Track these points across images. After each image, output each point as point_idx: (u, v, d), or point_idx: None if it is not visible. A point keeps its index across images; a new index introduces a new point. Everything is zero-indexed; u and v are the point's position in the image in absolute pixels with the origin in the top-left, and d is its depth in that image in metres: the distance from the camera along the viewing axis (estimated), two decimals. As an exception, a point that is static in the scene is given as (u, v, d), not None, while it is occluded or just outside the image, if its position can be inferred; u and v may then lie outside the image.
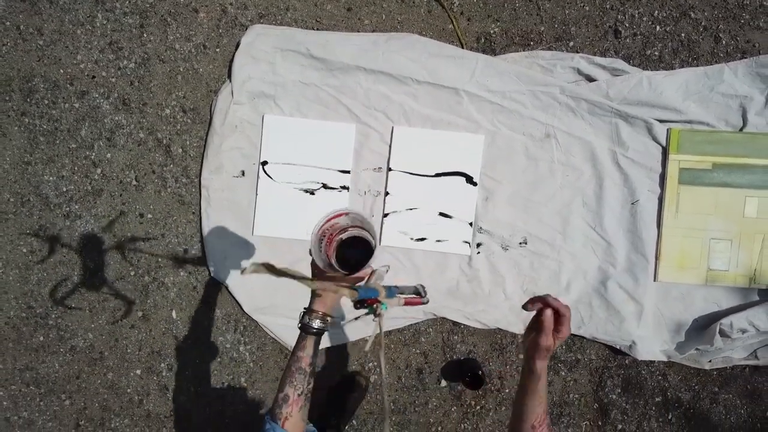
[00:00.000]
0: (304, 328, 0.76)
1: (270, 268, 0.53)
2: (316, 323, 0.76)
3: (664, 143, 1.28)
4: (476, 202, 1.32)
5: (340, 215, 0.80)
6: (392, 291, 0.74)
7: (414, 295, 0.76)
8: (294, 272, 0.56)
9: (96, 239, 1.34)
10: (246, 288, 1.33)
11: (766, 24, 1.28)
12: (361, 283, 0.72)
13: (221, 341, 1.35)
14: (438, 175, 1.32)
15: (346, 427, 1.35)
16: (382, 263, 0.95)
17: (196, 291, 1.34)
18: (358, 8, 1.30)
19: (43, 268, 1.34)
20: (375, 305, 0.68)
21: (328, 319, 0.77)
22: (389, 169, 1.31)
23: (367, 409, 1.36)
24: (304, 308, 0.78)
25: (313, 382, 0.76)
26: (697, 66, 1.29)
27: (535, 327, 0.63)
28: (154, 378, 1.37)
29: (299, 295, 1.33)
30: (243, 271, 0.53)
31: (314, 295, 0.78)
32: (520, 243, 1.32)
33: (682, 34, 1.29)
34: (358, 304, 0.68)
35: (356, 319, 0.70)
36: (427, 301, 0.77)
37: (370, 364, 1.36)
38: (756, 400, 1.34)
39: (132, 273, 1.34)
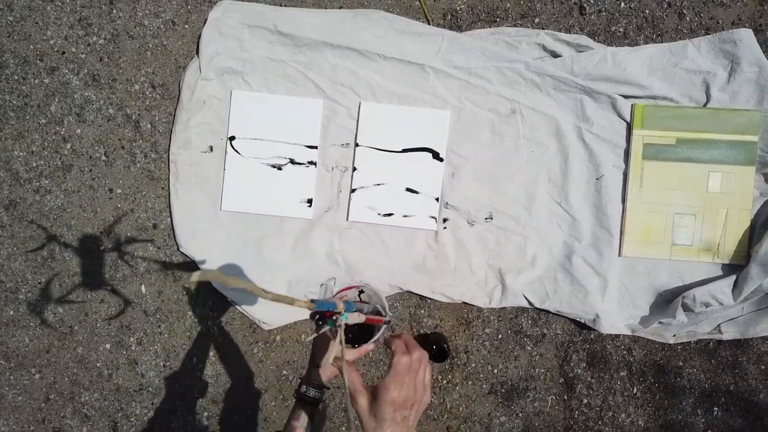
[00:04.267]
0: (300, 397, 0.77)
1: (218, 277, 0.49)
2: (312, 392, 0.77)
3: (628, 119, 1.30)
4: (442, 178, 1.33)
5: (350, 288, 0.77)
6: (350, 305, 0.69)
7: (374, 315, 0.71)
8: (246, 283, 0.52)
9: (66, 214, 1.35)
10: (215, 262, 1.34)
11: (729, 1, 1.29)
12: (317, 297, 0.66)
13: (190, 316, 1.37)
14: (405, 150, 1.33)
15: None
16: (328, 277, 0.89)
17: (165, 266, 1.35)
18: (326, -15, 1.31)
19: (12, 242, 1.35)
20: (335, 317, 0.65)
21: (325, 389, 0.79)
22: (356, 145, 1.33)
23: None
24: (300, 378, 0.79)
25: None
26: (661, 42, 1.30)
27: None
28: (124, 352, 1.38)
29: (268, 269, 1.34)
30: (191, 279, 0.51)
31: (312, 366, 0.79)
32: (486, 218, 1.33)
33: (647, 11, 1.30)
34: (317, 316, 0.64)
35: (318, 333, 0.66)
36: (389, 320, 0.73)
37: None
38: (720, 374, 1.35)
39: (101, 247, 1.35)
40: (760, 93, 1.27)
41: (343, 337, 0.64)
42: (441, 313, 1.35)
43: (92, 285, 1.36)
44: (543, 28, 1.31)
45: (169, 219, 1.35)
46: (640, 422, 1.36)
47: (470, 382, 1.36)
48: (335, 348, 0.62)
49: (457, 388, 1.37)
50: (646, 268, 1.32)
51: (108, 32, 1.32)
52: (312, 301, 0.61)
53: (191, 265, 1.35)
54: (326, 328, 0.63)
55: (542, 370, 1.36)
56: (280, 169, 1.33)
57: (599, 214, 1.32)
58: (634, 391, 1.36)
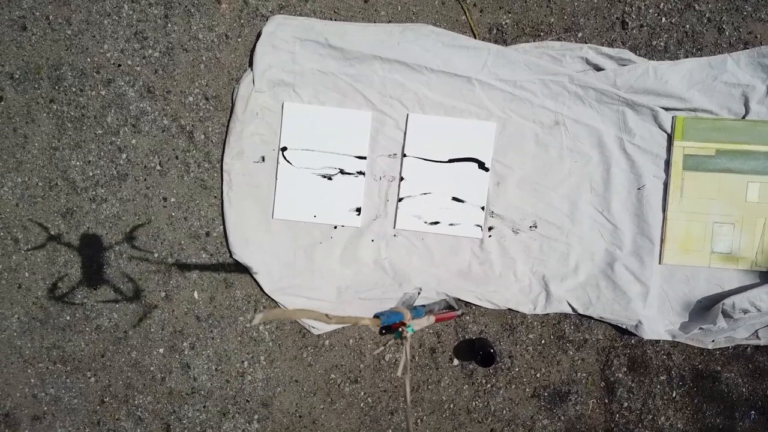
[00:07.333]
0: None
1: (281, 315, 0.51)
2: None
3: (669, 130, 1.33)
4: (488, 187, 1.37)
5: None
6: (419, 311, 0.74)
7: (445, 310, 0.75)
8: (311, 312, 0.54)
9: (121, 222, 1.39)
10: (266, 269, 1.38)
11: (767, 15, 1.33)
12: (383, 310, 0.70)
13: (241, 321, 1.40)
14: (451, 161, 1.37)
15: None
16: (413, 288, 1.00)
17: (218, 272, 1.39)
18: (375, 0, 1.35)
19: (69, 249, 1.39)
20: (401, 329, 0.66)
21: None
22: (404, 155, 1.36)
23: None
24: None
25: None
26: (701, 56, 1.34)
27: None
28: (177, 357, 1.42)
29: (318, 275, 1.39)
30: (253, 321, 0.52)
31: None
32: (530, 226, 1.37)
33: (687, 26, 1.34)
34: (384, 330, 0.66)
35: (384, 346, 0.71)
36: (462, 313, 0.76)
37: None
38: (757, 378, 1.38)
39: (156, 255, 1.39)
40: (799, 106, 1.31)
41: (408, 350, 0.66)
42: (485, 319, 1.39)
43: (146, 291, 1.40)
44: (586, 42, 1.35)
45: (221, 227, 1.39)
46: (679, 425, 1.40)
47: (514, 386, 1.40)
48: (405, 355, 0.65)
49: (501, 391, 1.40)
50: (686, 276, 1.36)
51: (163, 45, 1.36)
52: (376, 316, 0.63)
53: (243, 272, 1.39)
54: (392, 341, 0.66)
55: (584, 375, 1.40)
56: (330, 178, 1.37)
57: (640, 223, 1.35)
58: (674, 395, 1.39)
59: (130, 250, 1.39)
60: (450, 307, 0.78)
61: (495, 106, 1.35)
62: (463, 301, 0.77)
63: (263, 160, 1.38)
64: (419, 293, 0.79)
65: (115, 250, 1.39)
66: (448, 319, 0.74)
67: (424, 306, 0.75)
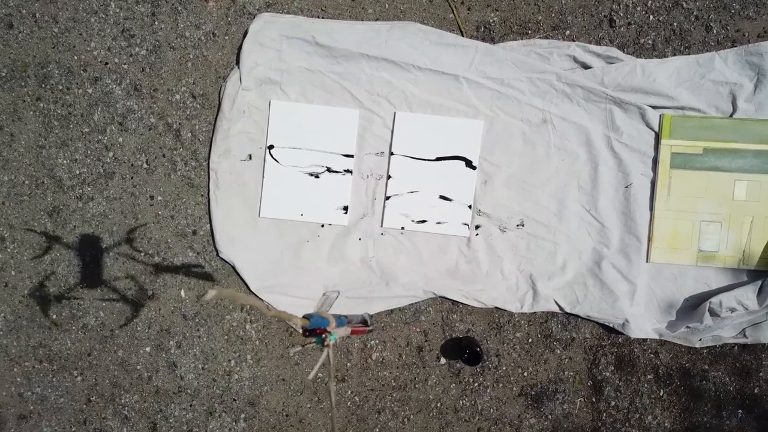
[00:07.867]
0: None
1: (232, 295, 0.55)
2: None
3: (656, 129, 1.33)
4: (475, 186, 1.36)
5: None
6: (342, 320, 0.80)
7: (360, 324, 0.83)
8: (255, 300, 0.60)
9: (108, 221, 1.38)
10: (253, 267, 1.37)
11: (755, 13, 1.33)
12: (313, 312, 0.75)
13: (228, 320, 1.40)
14: (438, 159, 1.36)
15: None
16: (332, 289, 1.04)
17: (204, 271, 1.39)
18: (362, -2, 1.35)
19: (56, 248, 1.39)
20: (324, 335, 0.72)
21: None
22: (391, 154, 1.36)
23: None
24: None
25: None
26: (689, 54, 1.34)
27: None
28: (163, 355, 1.41)
29: (305, 274, 1.38)
30: (202, 296, 0.56)
31: None
32: (518, 225, 1.37)
33: (675, 24, 1.34)
34: (307, 332, 0.72)
35: (303, 347, 0.77)
36: (372, 329, 0.86)
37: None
38: (744, 377, 1.38)
39: (142, 253, 1.39)
40: (786, 104, 1.31)
41: (332, 356, 0.71)
42: (473, 317, 1.39)
43: (133, 290, 1.39)
44: (574, 40, 1.35)
45: (208, 225, 1.38)
46: (666, 424, 1.40)
47: (501, 385, 1.40)
48: (321, 360, 0.69)
49: (488, 390, 1.40)
50: (673, 274, 1.36)
51: (150, 43, 1.36)
52: (306, 317, 0.68)
53: (230, 271, 1.39)
54: (312, 343, 0.71)
55: (571, 374, 1.40)
56: (317, 177, 1.37)
57: (628, 221, 1.35)
58: (661, 393, 1.39)
59: (116, 248, 1.39)
60: (364, 322, 0.85)
61: (482, 104, 1.35)
62: (374, 317, 0.89)
63: (250, 158, 1.37)
64: (337, 296, 0.87)
65: (102, 248, 1.39)
66: (360, 333, 0.81)
67: (345, 316, 0.83)
